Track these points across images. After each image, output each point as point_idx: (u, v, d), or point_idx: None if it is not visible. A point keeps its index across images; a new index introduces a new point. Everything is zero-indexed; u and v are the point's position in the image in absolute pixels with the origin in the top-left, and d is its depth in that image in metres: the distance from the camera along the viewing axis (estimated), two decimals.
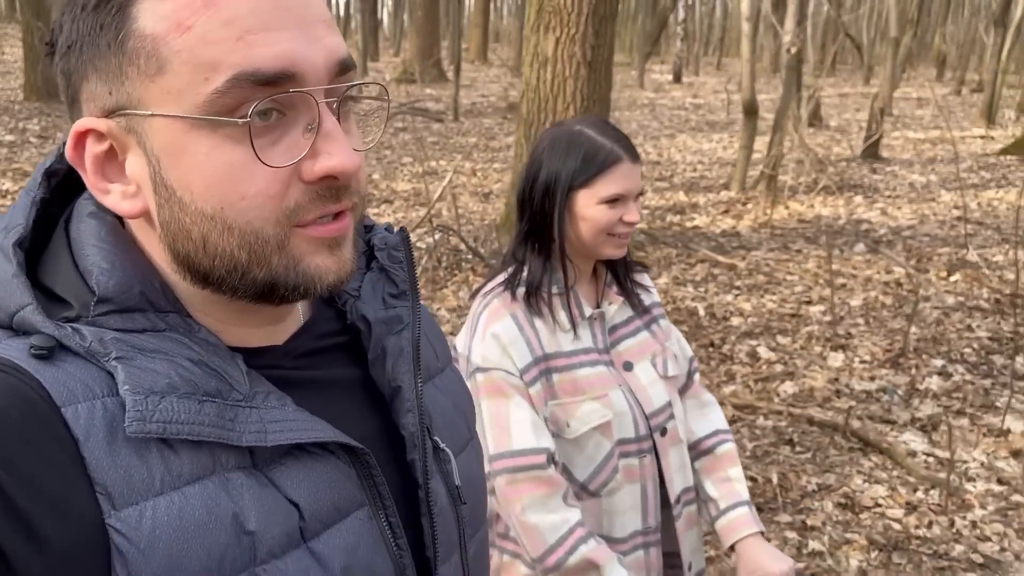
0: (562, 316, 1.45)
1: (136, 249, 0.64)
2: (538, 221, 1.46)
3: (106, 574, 0.53)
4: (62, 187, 0.67)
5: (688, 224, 8.29)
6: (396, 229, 0.80)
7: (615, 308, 1.54)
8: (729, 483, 1.57)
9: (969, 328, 5.56)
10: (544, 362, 1.42)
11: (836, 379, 4.73)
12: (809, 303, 5.82)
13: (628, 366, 1.50)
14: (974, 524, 3.43)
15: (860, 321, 5.57)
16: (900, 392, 4.59)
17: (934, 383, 4.70)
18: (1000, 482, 3.79)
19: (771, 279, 6.38)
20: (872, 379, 4.75)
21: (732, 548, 1.52)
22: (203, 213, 0.58)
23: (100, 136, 0.60)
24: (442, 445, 0.76)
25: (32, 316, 0.58)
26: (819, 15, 28.78)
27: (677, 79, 23.82)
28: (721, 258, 6.76)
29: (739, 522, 1.51)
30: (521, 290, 1.45)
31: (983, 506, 3.55)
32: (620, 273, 1.57)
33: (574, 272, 1.49)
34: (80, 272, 0.61)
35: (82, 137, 0.60)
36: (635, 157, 1.44)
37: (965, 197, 9.96)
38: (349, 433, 0.65)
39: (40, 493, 0.52)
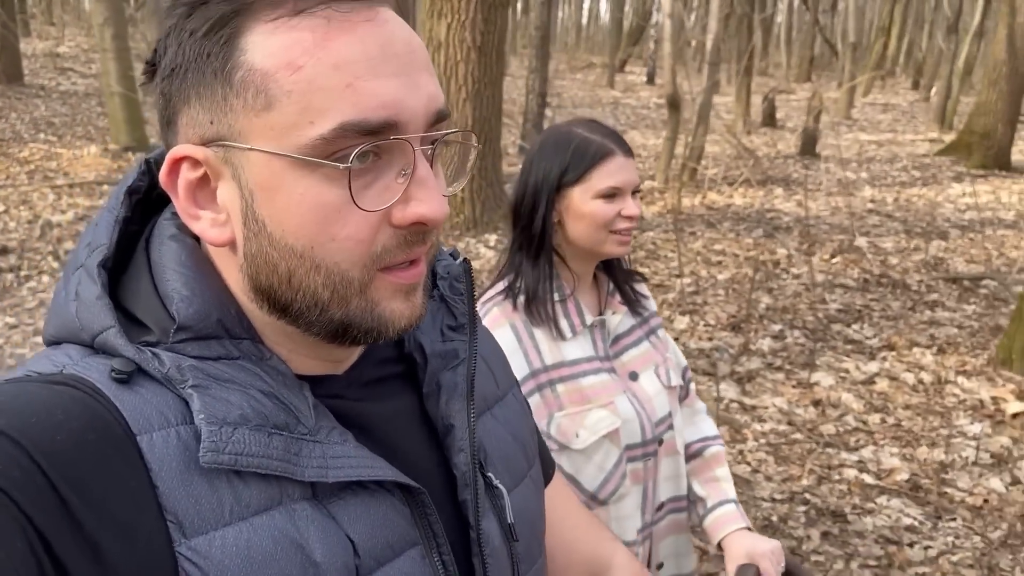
0: (563, 324, 1.43)
1: (214, 274, 0.64)
2: (529, 224, 1.44)
3: None
4: (141, 204, 0.68)
5: None
6: (460, 259, 0.80)
7: (618, 318, 1.52)
8: (716, 482, 1.58)
9: (823, 300, 6.04)
10: (544, 374, 1.41)
11: (676, 338, 5.20)
12: (679, 276, 6.30)
13: (634, 376, 1.50)
14: (741, 452, 3.91)
15: (721, 292, 6.05)
16: (732, 351, 5.07)
17: (766, 344, 5.17)
18: (790, 424, 4.27)
19: (652, 255, 6.87)
20: (711, 340, 5.22)
21: (719, 545, 1.53)
22: (292, 250, 0.59)
23: (195, 163, 0.60)
24: (495, 482, 0.74)
25: (114, 339, 0.59)
26: (800, 19, 29.28)
27: (650, 80, 24.32)
28: None
29: (725, 519, 1.52)
30: (521, 299, 1.43)
31: (755, 439, 4.03)
32: (620, 279, 1.56)
33: (574, 278, 1.47)
34: (160, 296, 0.61)
35: (178, 163, 0.60)
36: (627, 151, 1.43)
37: (882, 192, 10.46)
38: (405, 468, 0.65)
39: (110, 518, 0.52)
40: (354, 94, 0.56)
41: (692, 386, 1.69)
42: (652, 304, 1.62)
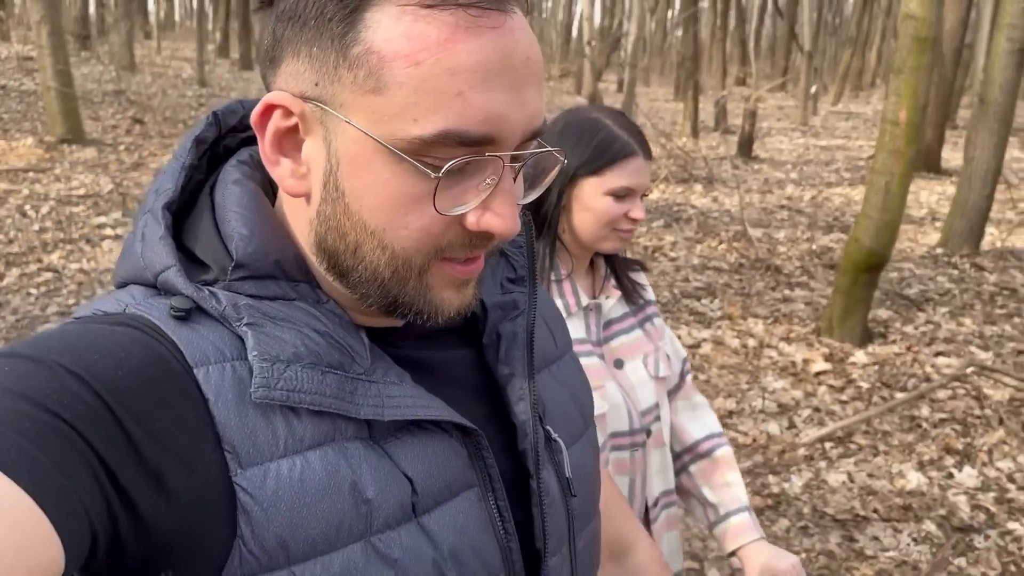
0: (558, 304, 1.42)
1: (276, 218, 0.65)
2: (538, 204, 1.43)
3: (231, 528, 0.55)
4: (208, 155, 0.69)
5: None
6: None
7: (612, 302, 1.51)
8: (728, 488, 1.55)
9: (686, 279, 6.48)
10: None
11: None
12: None
13: (619, 364, 1.48)
14: None
15: None
16: None
17: None
18: None
19: None
20: None
21: (732, 554, 1.51)
22: (365, 225, 0.60)
23: (289, 113, 0.60)
24: (554, 435, 0.75)
25: (175, 277, 0.60)
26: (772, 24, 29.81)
27: (621, 88, 24.91)
28: None
29: (740, 529, 1.50)
30: None
31: None
32: (618, 268, 1.55)
33: (572, 261, 1.46)
34: (221, 237, 0.63)
35: (272, 108, 0.61)
36: (648, 154, 1.42)
37: (804, 190, 10.91)
38: (465, 413, 0.66)
39: (170, 449, 0.53)
40: (462, 103, 0.56)
41: (689, 378, 1.65)
42: (649, 293, 1.60)
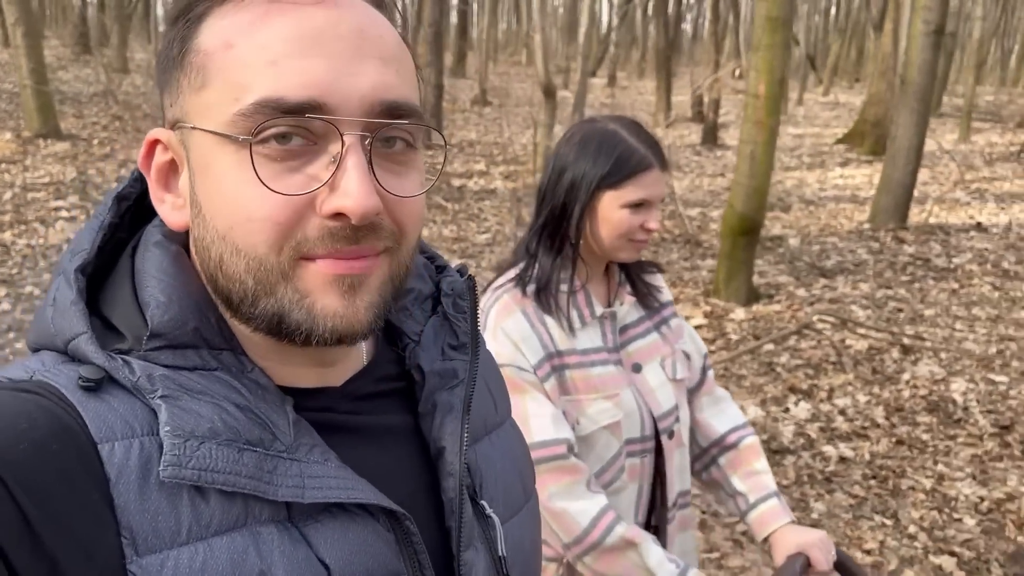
0: (572, 314, 1.44)
1: (197, 282, 0.62)
2: (557, 216, 1.44)
3: None
4: (133, 213, 0.67)
5: (476, 185, 9.73)
6: (465, 276, 0.77)
7: (626, 308, 1.53)
8: (756, 476, 1.57)
9: None
10: (557, 358, 1.41)
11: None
12: (486, 232, 7.24)
13: (637, 368, 1.50)
14: None
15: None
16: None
17: None
18: None
19: (477, 218, 7.82)
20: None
21: (765, 540, 1.52)
22: (217, 231, 0.58)
23: (165, 147, 0.61)
24: (488, 511, 0.71)
25: (85, 346, 0.57)
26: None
27: (611, 82, 25.34)
28: (449, 204, 8.20)
29: (770, 514, 1.52)
30: (532, 287, 1.43)
31: None
32: (633, 273, 1.56)
33: (586, 271, 1.48)
34: (139, 303, 0.60)
35: (152, 147, 0.62)
36: (664, 165, 1.45)
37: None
38: (395, 489, 0.63)
39: (70, 533, 0.50)
40: (276, 71, 0.55)
41: (710, 373, 1.67)
42: (666, 295, 1.61)
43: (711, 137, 13.48)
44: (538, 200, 1.48)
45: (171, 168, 0.62)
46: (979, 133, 16.77)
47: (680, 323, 1.62)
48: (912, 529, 3.41)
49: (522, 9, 31.04)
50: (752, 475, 1.58)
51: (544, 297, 1.42)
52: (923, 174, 11.98)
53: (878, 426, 4.27)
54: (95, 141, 10.48)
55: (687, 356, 1.58)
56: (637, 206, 1.40)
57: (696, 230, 8.06)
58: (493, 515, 0.72)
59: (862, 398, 4.56)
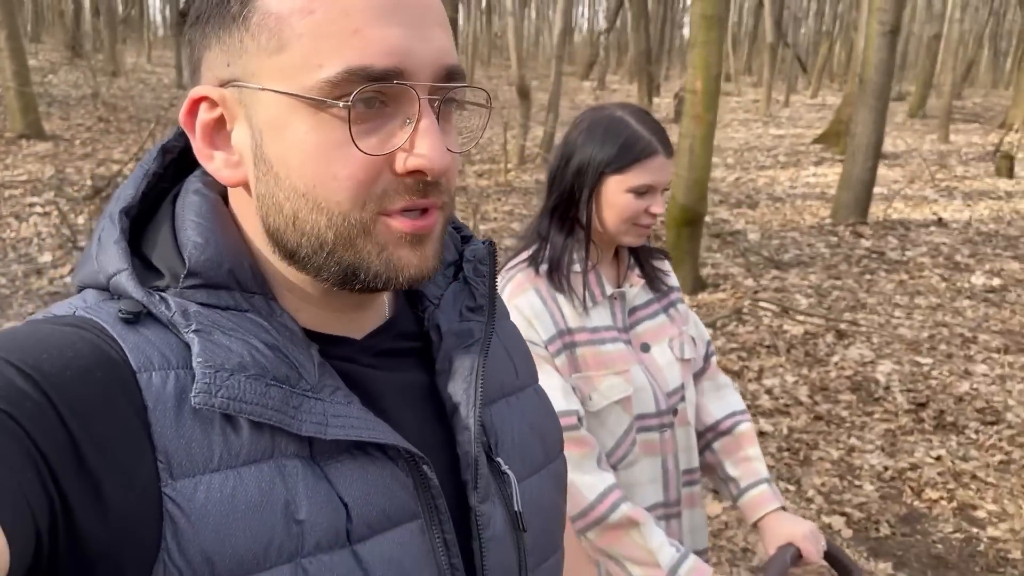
0: (585, 294, 1.49)
1: (233, 228, 0.66)
2: (565, 199, 1.49)
3: (158, 539, 0.55)
4: (177, 164, 0.70)
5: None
6: (486, 242, 0.81)
7: (635, 290, 1.57)
8: (748, 462, 1.62)
9: None
10: (568, 335, 1.46)
11: None
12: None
13: (646, 347, 1.55)
14: None
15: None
16: None
17: None
18: None
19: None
20: None
21: (755, 525, 1.58)
22: (296, 189, 0.60)
23: (212, 104, 0.62)
24: (504, 467, 0.74)
25: (126, 281, 0.61)
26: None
27: (601, 84, 25.60)
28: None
29: (760, 499, 1.57)
30: (544, 266, 1.48)
31: None
32: (641, 256, 1.61)
33: (597, 252, 1.53)
34: (177, 245, 0.63)
35: (196, 104, 0.63)
36: (669, 151, 1.48)
37: (734, 173, 11.53)
38: (412, 441, 0.65)
39: (112, 457, 0.53)
40: (361, 40, 0.58)
41: (714, 359, 1.72)
42: (673, 279, 1.67)
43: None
44: (548, 184, 1.54)
45: (218, 124, 0.64)
46: (962, 134, 17.01)
47: (686, 308, 1.67)
48: (811, 493, 3.63)
49: (495, 11, 31.25)
50: (744, 461, 1.62)
51: (556, 276, 1.48)
52: (895, 172, 12.24)
53: (800, 403, 4.49)
54: (77, 141, 10.72)
55: (693, 340, 1.63)
56: (642, 192, 1.45)
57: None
58: (508, 471, 0.74)
59: (790, 378, 4.78)
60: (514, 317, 1.42)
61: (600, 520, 1.40)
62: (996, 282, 6.91)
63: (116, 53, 19.61)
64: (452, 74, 0.62)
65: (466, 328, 0.75)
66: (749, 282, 6.48)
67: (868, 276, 6.97)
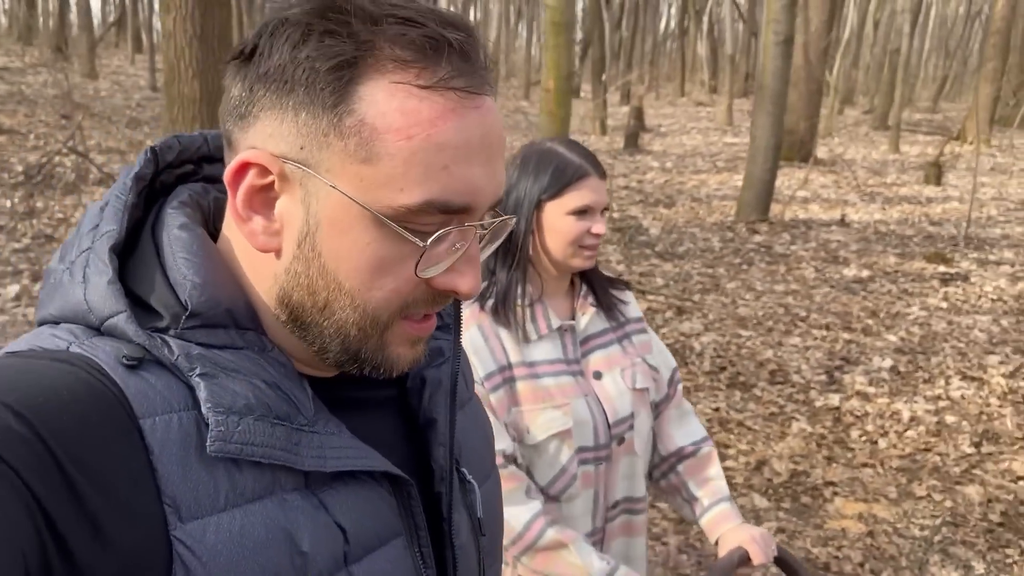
0: (529, 327, 1.53)
1: (224, 265, 0.67)
2: (508, 234, 1.48)
3: None
4: (145, 193, 0.70)
5: None
6: None
7: (587, 319, 1.61)
8: (711, 482, 1.69)
9: None
10: (508, 370, 1.50)
11: None
12: None
13: (598, 375, 1.58)
14: None
15: None
16: None
17: None
18: None
19: None
20: None
21: (716, 543, 1.63)
22: (339, 284, 0.63)
23: (265, 171, 0.63)
24: (468, 477, 0.80)
25: (125, 324, 0.61)
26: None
27: (576, 93, 26.33)
28: None
29: (721, 517, 1.64)
30: (490, 302, 1.53)
31: None
32: (597, 286, 1.66)
33: (542, 284, 1.57)
34: (170, 283, 0.64)
35: (248, 166, 0.63)
36: (602, 173, 1.54)
37: (669, 175, 12.15)
38: (392, 460, 0.69)
39: (110, 495, 0.54)
40: (448, 176, 0.61)
41: (679, 387, 1.77)
42: (633, 310, 1.72)
43: (632, 142, 14.37)
44: None
45: (262, 190, 0.64)
46: (918, 145, 17.65)
47: (648, 339, 1.71)
48: None
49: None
50: (707, 481, 1.70)
51: (501, 311, 1.52)
52: (827, 178, 12.86)
53: None
54: (32, 135, 11.39)
55: (655, 369, 1.68)
56: (581, 212, 1.50)
57: None
58: (472, 480, 0.80)
59: None
60: None
61: (531, 545, 1.47)
62: (865, 273, 7.51)
63: (94, 56, 20.34)
64: (499, 202, 0.67)
65: (435, 347, 0.79)
66: (620, 267, 7.09)
67: (746, 266, 7.58)
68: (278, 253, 0.65)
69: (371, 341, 0.66)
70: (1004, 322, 6.36)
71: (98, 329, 0.62)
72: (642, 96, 14.64)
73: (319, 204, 0.62)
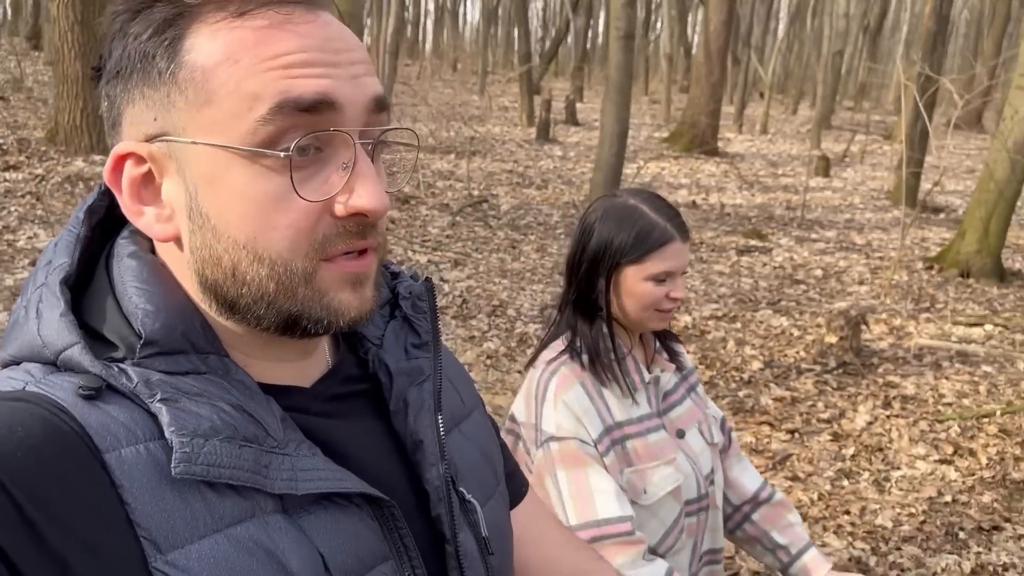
0: (625, 383, 1.52)
1: (177, 289, 0.66)
2: (584, 288, 1.54)
3: None
4: (101, 225, 0.70)
5: None
6: (421, 279, 0.83)
7: (668, 375, 1.63)
8: (792, 528, 1.71)
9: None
10: (617, 430, 1.50)
11: None
12: None
13: (680, 434, 1.59)
14: None
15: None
16: None
17: None
18: None
19: None
20: None
21: None
22: (235, 242, 0.62)
23: (140, 160, 0.63)
24: (468, 496, 0.78)
25: (80, 356, 0.60)
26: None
27: (537, 91, 27.24)
28: None
29: (814, 564, 1.66)
30: (585, 357, 1.52)
31: None
32: (664, 340, 1.67)
33: (629, 338, 1.58)
34: (124, 313, 0.63)
35: (121, 160, 0.63)
36: (686, 236, 1.53)
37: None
38: (375, 485, 0.68)
39: (74, 534, 0.54)
40: (290, 78, 0.60)
41: (734, 435, 1.80)
42: (688, 361, 1.73)
43: (544, 134, 15.29)
44: (567, 271, 1.59)
45: (145, 180, 0.64)
46: (843, 143, 18.51)
47: (702, 389, 1.74)
48: None
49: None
50: (789, 527, 1.71)
51: (599, 367, 1.51)
52: (718, 168, 13.75)
53: None
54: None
55: (714, 419, 1.72)
56: (661, 279, 1.50)
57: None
58: (472, 499, 0.79)
59: None
60: (562, 412, 1.47)
61: None
62: None
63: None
64: (380, 106, 0.65)
65: (415, 366, 0.79)
66: (442, 233, 8.05)
67: (564, 237, 8.50)
68: (178, 241, 0.65)
69: (299, 293, 0.64)
70: (763, 283, 7.28)
71: (55, 364, 0.62)
72: (580, 88, 15.45)
73: (191, 168, 0.62)
